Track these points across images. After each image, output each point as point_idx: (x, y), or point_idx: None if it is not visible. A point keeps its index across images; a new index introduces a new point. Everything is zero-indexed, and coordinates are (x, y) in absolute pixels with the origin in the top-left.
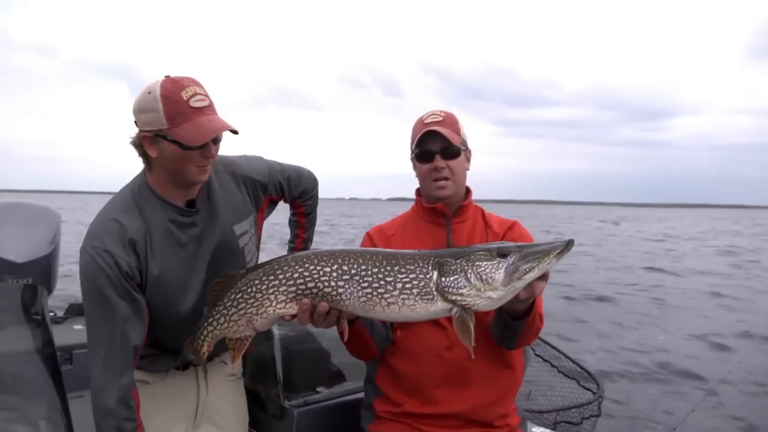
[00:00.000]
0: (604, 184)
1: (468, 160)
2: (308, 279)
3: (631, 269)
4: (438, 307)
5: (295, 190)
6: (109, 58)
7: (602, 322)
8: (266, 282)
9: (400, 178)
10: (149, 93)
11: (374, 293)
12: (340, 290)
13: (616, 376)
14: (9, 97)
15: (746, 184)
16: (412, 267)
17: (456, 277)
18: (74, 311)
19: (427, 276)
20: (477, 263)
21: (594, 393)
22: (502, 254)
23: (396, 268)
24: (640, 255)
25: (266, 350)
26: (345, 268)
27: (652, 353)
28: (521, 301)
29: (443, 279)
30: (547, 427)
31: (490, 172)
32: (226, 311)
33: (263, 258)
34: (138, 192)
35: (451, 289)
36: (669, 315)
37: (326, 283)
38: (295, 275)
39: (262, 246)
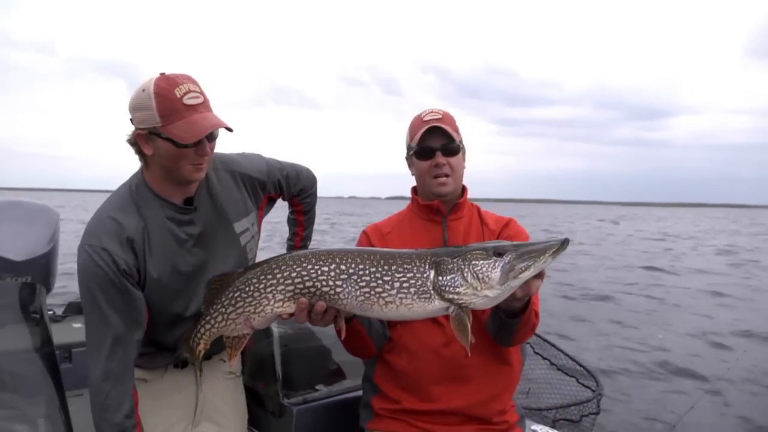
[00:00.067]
0: (603, 183)
1: (464, 158)
2: (306, 278)
3: (630, 268)
4: (435, 305)
5: (294, 188)
6: (108, 57)
7: (601, 320)
8: (264, 281)
9: (399, 177)
10: (143, 91)
11: (372, 292)
12: (338, 289)
13: (615, 374)
14: (8, 95)
15: (745, 184)
16: (410, 266)
17: (453, 276)
18: (73, 309)
19: (425, 275)
20: (473, 262)
21: (593, 390)
22: (499, 253)
23: (393, 268)
24: (639, 254)
25: (265, 348)
26: (343, 267)
27: (651, 351)
28: (517, 299)
29: (440, 278)
30: (546, 424)
31: (488, 171)
32: (224, 310)
33: (262, 256)
34: (135, 190)
35: (448, 288)
36: (668, 313)
37: (324, 283)
38: (293, 274)
39: (263, 244)
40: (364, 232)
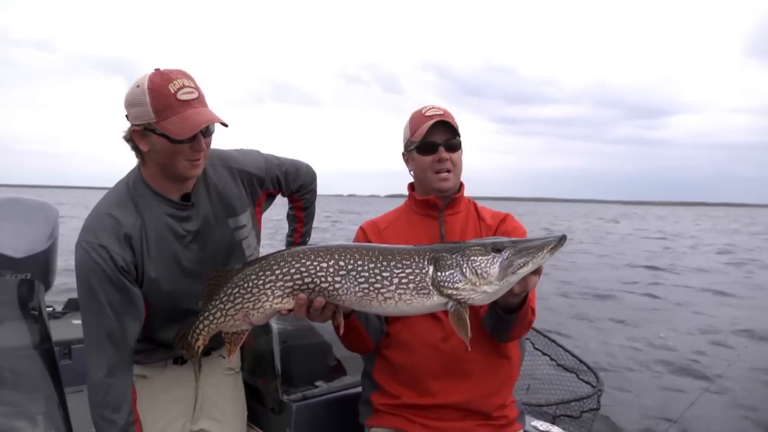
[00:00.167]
0: (603, 182)
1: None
2: (305, 274)
3: (631, 267)
4: (434, 301)
5: (293, 184)
6: (107, 54)
7: (602, 318)
8: (263, 277)
9: (398, 175)
10: (138, 87)
11: (371, 288)
12: (337, 285)
13: (615, 370)
14: (8, 92)
15: (744, 183)
16: (408, 262)
17: (451, 271)
18: (73, 306)
19: (423, 271)
20: (472, 258)
21: (593, 386)
22: (497, 249)
23: (392, 264)
24: (639, 253)
25: (265, 344)
26: (342, 263)
27: (651, 348)
28: (515, 295)
29: (439, 274)
30: (546, 420)
31: (488, 170)
32: (222, 306)
33: (265, 253)
34: (133, 187)
35: (446, 284)
36: (668, 312)
37: (323, 279)
38: (292, 270)
39: (269, 241)
40: (361, 228)
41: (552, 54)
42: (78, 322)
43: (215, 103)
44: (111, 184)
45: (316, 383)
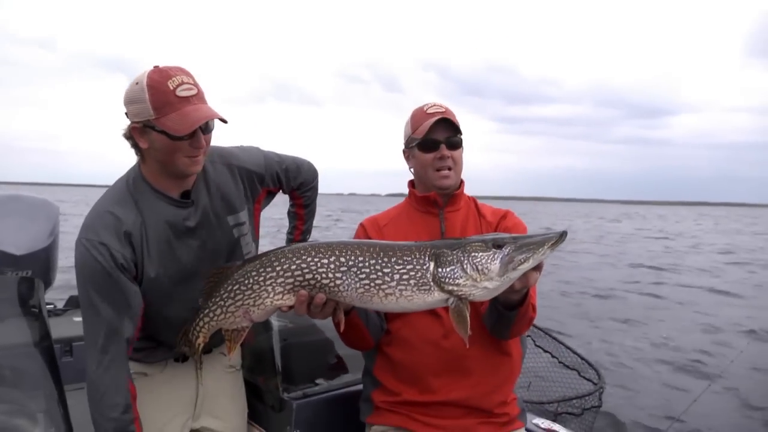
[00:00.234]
0: (604, 181)
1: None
2: (306, 271)
3: (632, 266)
4: (435, 297)
5: (294, 182)
6: (108, 52)
7: (603, 317)
8: (264, 274)
9: (398, 174)
10: (137, 84)
11: (372, 284)
12: (338, 282)
13: (617, 368)
14: (8, 90)
15: (745, 183)
16: (409, 258)
17: (452, 267)
18: (74, 303)
19: (424, 267)
20: (473, 254)
21: (595, 384)
22: (498, 245)
23: (393, 260)
24: (641, 252)
25: (265, 342)
26: (342, 259)
27: (653, 347)
28: (516, 291)
29: (440, 270)
30: (547, 418)
31: (489, 169)
32: (222, 303)
33: (266, 249)
34: (133, 184)
35: (447, 280)
36: (670, 311)
37: (324, 275)
38: (293, 267)
39: (271, 239)
40: (361, 225)
41: (552, 53)
42: (79, 319)
43: (216, 101)
44: (111, 181)
45: (317, 381)
